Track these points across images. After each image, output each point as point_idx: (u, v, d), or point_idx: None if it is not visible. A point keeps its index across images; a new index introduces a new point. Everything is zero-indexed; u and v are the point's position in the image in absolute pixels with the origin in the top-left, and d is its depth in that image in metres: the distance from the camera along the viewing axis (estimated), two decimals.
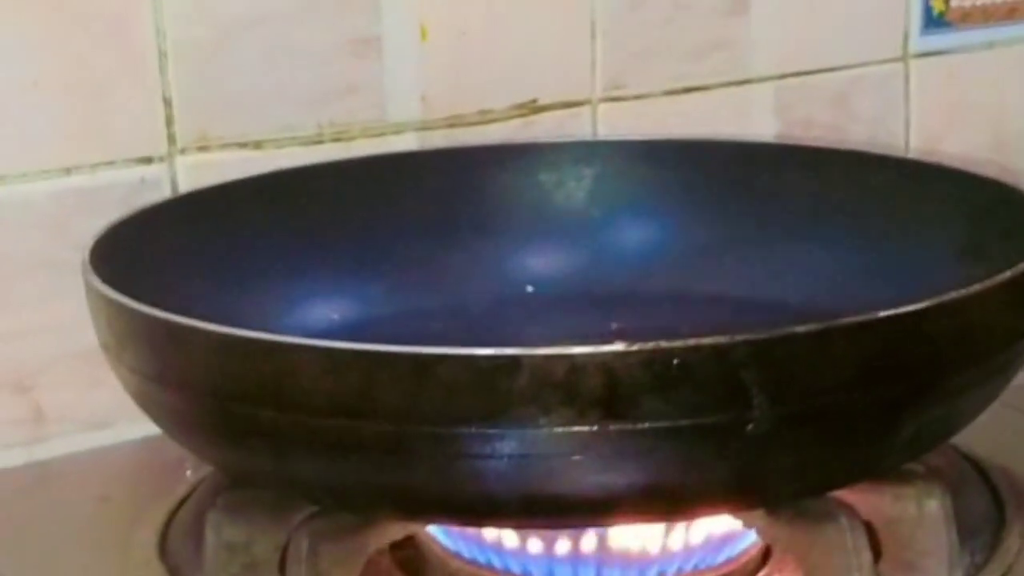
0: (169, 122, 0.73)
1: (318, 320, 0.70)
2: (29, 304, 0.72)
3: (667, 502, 0.51)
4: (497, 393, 0.48)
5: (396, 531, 0.56)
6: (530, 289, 0.75)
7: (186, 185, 0.74)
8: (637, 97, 0.84)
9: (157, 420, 0.57)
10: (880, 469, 0.54)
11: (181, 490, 0.66)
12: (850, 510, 0.54)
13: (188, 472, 0.67)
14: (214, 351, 0.51)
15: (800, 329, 0.49)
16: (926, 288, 0.54)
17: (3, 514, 0.68)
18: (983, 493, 0.63)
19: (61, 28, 0.70)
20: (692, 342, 0.48)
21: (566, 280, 0.75)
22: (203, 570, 0.57)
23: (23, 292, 0.72)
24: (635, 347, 0.48)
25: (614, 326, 0.72)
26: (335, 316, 0.71)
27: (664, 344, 0.48)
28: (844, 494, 0.55)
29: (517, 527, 0.56)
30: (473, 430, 0.49)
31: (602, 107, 0.84)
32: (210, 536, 0.57)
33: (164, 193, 0.73)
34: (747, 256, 0.74)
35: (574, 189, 0.76)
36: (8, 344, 0.72)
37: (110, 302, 0.55)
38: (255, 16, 0.74)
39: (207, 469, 0.66)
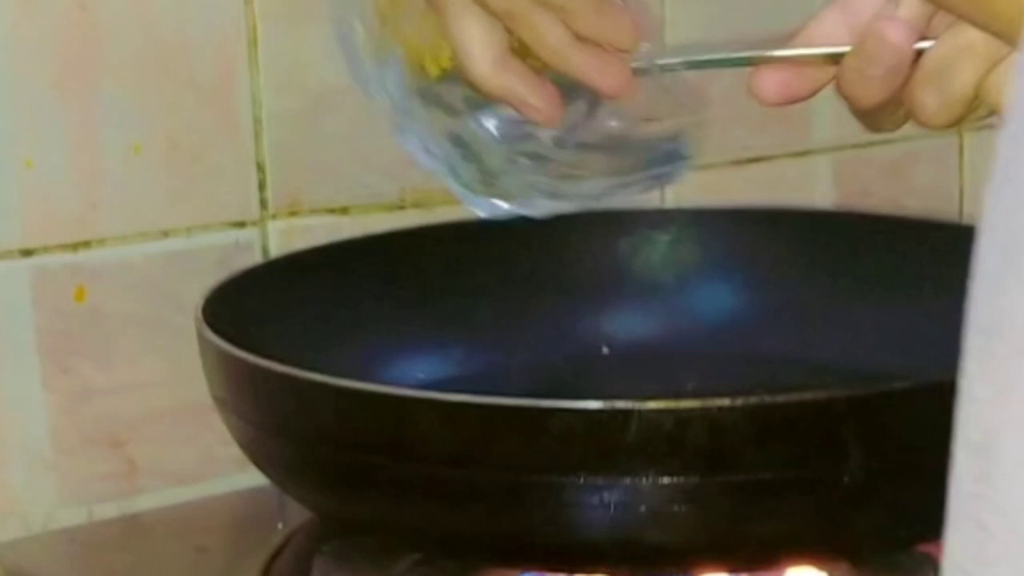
0: (262, 187, 0.76)
1: (405, 379, 0.73)
2: (123, 361, 0.75)
3: (763, 551, 0.54)
4: (607, 444, 0.51)
5: None
6: (606, 350, 0.77)
7: (277, 249, 0.77)
8: (704, 167, 0.87)
9: (267, 471, 0.60)
10: None
11: (275, 541, 0.69)
12: (936, 563, 0.56)
13: (280, 525, 0.70)
14: (335, 403, 0.53)
15: (897, 386, 0.51)
16: None
17: (101, 565, 0.70)
18: None
19: (163, 95, 0.74)
20: (795, 397, 0.51)
21: (640, 342, 0.77)
22: None
23: (119, 350, 0.75)
24: (739, 401, 0.51)
25: (689, 386, 0.74)
26: (420, 375, 0.74)
27: (768, 399, 0.50)
28: (929, 548, 0.57)
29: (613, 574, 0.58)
30: (583, 480, 0.51)
31: None
32: None
33: (255, 256, 0.76)
34: (814, 320, 0.77)
35: (649, 254, 0.78)
36: (104, 400, 0.75)
37: (228, 356, 0.58)
38: (344, 87, 0.77)
39: (300, 521, 0.69)
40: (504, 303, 0.77)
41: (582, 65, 0.52)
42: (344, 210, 0.78)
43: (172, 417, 0.75)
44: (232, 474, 0.74)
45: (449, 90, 0.56)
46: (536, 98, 0.53)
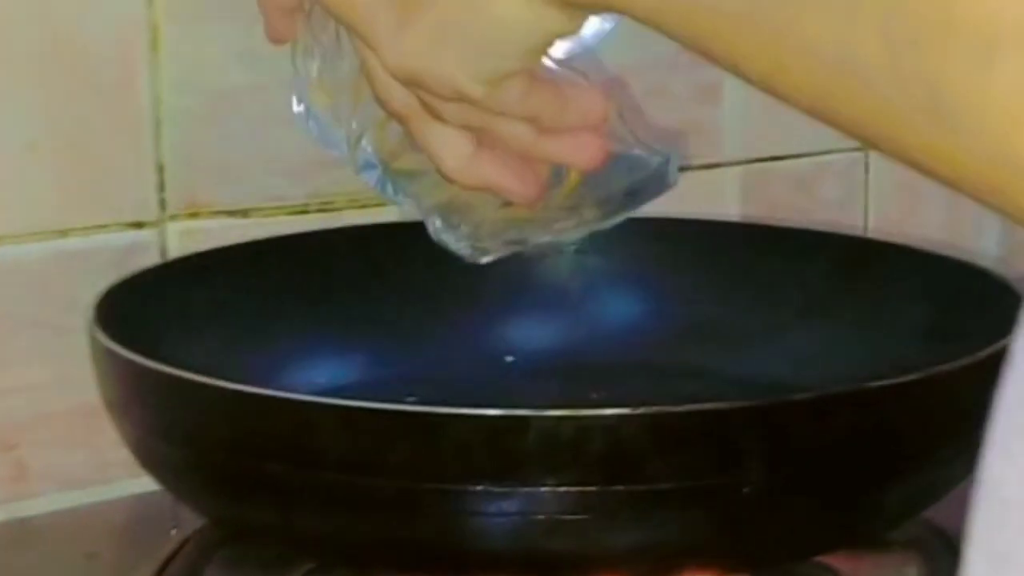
0: (161, 188, 0.75)
1: (304, 384, 0.72)
2: (15, 363, 0.73)
3: (662, 562, 0.53)
4: (506, 452, 0.50)
5: None
6: (510, 359, 0.77)
7: (175, 251, 0.75)
8: None
9: (159, 476, 0.58)
10: (864, 536, 0.56)
11: (167, 548, 0.67)
12: (835, 574, 0.56)
13: (173, 531, 0.68)
14: (228, 407, 0.52)
15: (796, 397, 0.51)
16: (891, 365, 0.56)
17: None
18: (953, 564, 0.65)
19: (59, 92, 0.72)
20: (694, 407, 0.50)
21: (545, 351, 0.77)
22: None
23: (10, 351, 0.73)
24: (639, 411, 0.50)
25: (593, 396, 0.74)
26: (321, 380, 0.73)
27: (667, 409, 0.50)
28: (827, 560, 0.57)
29: None
30: (481, 488, 0.50)
31: None
32: None
33: (153, 257, 0.75)
34: (719, 331, 0.77)
35: (555, 263, 0.78)
36: None
37: (119, 359, 0.56)
38: (247, 86, 0.76)
39: (192, 527, 0.67)
40: (408, 309, 0.76)
41: (557, 152, 0.52)
42: (246, 213, 0.77)
43: (64, 420, 0.73)
44: (124, 479, 0.72)
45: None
46: (514, 182, 0.52)
